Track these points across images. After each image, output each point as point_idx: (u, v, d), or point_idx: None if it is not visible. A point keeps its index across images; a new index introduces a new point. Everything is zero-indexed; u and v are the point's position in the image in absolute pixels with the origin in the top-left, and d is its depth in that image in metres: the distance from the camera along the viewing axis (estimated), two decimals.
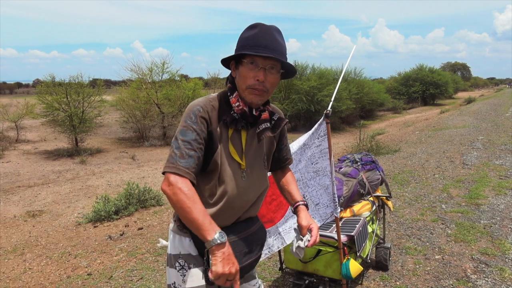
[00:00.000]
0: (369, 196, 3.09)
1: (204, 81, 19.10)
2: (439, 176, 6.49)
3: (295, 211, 1.66)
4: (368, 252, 2.94)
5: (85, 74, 14.88)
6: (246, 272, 1.56)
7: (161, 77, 16.01)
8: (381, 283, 3.06)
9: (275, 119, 1.56)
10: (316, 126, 2.35)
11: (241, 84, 1.46)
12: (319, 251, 2.59)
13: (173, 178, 1.33)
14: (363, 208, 2.95)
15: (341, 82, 17.30)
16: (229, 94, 1.49)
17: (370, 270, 3.24)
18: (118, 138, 17.36)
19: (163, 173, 1.37)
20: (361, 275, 3.00)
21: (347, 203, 2.89)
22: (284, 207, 2.40)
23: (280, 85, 18.04)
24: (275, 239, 2.52)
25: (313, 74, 18.56)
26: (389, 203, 3.32)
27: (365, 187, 3.02)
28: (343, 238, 2.53)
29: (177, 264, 1.51)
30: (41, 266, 4.43)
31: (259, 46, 1.42)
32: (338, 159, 3.40)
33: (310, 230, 1.59)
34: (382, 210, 3.31)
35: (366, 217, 2.89)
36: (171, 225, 1.59)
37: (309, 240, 1.55)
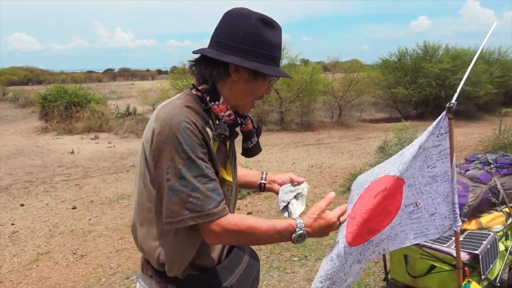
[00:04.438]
0: (503, 206, 2.56)
1: (323, 65, 18.58)
2: None
3: (266, 187, 1.50)
4: (498, 273, 2.45)
5: None
6: None
7: (281, 62, 16.21)
8: None
9: (256, 127, 1.32)
10: (435, 122, 1.98)
11: (244, 96, 1.20)
12: (433, 267, 2.24)
13: (216, 226, 1.07)
14: (494, 220, 2.45)
15: (480, 64, 14.99)
16: (209, 99, 1.16)
17: None
18: None
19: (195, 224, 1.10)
20: None
21: (473, 213, 2.44)
22: (390, 215, 2.11)
23: (406, 69, 16.58)
24: (376, 246, 2.26)
25: (446, 55, 16.55)
26: None
27: (498, 196, 2.51)
28: (464, 256, 2.14)
29: None
30: None
31: (279, 57, 1.22)
32: (466, 159, 2.89)
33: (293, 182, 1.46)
34: None
35: (498, 232, 2.40)
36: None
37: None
